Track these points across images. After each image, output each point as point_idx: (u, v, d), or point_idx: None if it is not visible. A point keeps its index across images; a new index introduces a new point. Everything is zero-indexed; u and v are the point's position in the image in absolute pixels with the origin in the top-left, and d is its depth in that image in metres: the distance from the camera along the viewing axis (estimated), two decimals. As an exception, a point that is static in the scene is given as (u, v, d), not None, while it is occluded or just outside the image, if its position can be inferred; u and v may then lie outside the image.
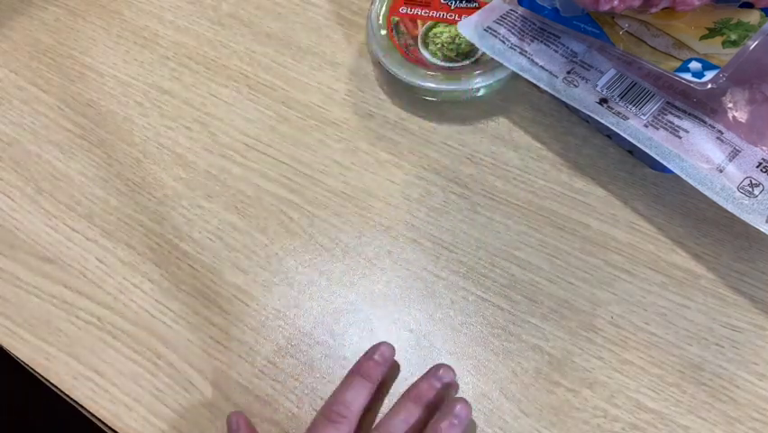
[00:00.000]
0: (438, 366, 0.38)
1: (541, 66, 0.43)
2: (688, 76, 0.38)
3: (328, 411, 0.36)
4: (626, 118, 0.40)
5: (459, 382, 0.39)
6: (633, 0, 0.38)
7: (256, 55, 0.52)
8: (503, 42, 0.44)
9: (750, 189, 0.37)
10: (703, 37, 0.39)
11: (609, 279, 0.41)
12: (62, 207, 0.47)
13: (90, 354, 0.42)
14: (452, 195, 0.45)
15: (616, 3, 0.38)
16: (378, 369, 0.38)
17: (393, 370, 0.39)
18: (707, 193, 0.38)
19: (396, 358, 0.40)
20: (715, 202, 0.38)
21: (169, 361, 0.41)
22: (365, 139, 0.47)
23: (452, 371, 0.38)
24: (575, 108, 0.42)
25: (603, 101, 0.41)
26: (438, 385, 0.37)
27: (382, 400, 0.39)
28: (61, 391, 0.41)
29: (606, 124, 0.41)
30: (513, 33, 0.44)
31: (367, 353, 0.38)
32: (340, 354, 0.40)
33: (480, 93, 0.47)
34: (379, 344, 0.39)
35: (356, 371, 0.37)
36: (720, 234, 0.42)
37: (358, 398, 0.36)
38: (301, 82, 0.50)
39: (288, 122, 0.49)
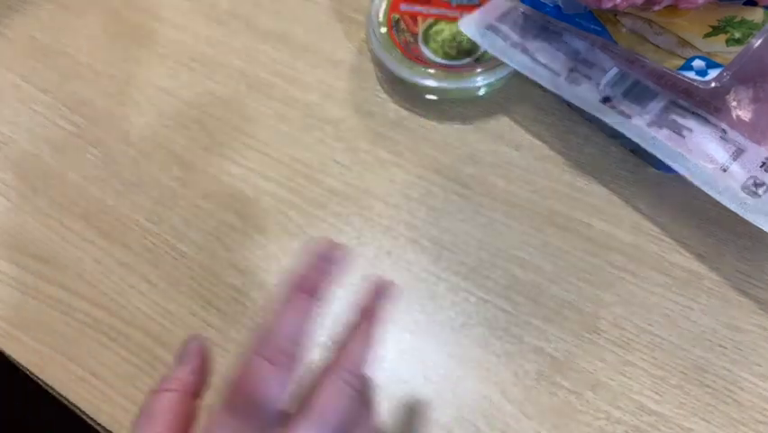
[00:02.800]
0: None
1: (543, 64, 0.42)
2: (691, 74, 0.38)
3: None
4: (629, 117, 0.40)
5: (459, 384, 0.39)
6: (636, -3, 0.37)
7: (254, 53, 0.52)
8: (504, 40, 0.44)
9: (754, 189, 0.37)
10: (707, 35, 0.39)
11: (612, 280, 0.40)
12: (58, 207, 0.46)
13: (87, 356, 0.41)
14: (452, 195, 0.44)
15: (618, 0, 0.37)
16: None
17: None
18: (710, 193, 0.38)
19: (395, 360, 0.39)
20: (719, 202, 0.37)
21: (166, 362, 0.40)
22: (365, 138, 0.47)
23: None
24: (577, 107, 0.42)
25: (606, 100, 0.41)
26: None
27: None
28: (57, 393, 0.41)
29: (609, 122, 0.40)
30: (515, 31, 0.44)
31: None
32: (339, 356, 0.40)
33: (482, 91, 0.46)
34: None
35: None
36: (724, 234, 0.41)
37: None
38: (300, 80, 0.50)
39: (287, 120, 0.48)
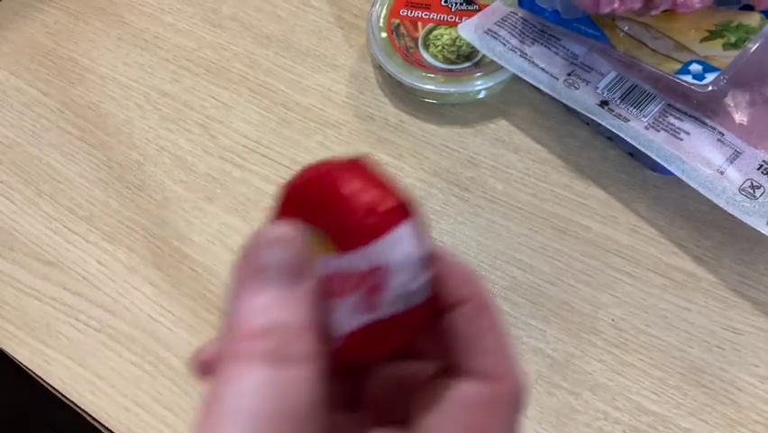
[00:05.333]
0: None
1: (541, 68, 0.43)
2: (688, 78, 0.38)
3: None
4: (626, 120, 0.40)
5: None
6: (633, 2, 0.38)
7: (256, 57, 0.52)
8: (503, 45, 0.44)
9: (751, 192, 0.37)
10: (704, 39, 0.39)
11: (610, 281, 0.41)
12: (62, 210, 0.47)
13: (90, 357, 0.41)
14: (452, 197, 0.45)
15: (616, 5, 0.38)
16: None
17: None
18: (708, 195, 0.38)
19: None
20: (716, 204, 0.38)
21: (170, 364, 0.41)
22: (365, 141, 0.47)
23: None
24: (576, 110, 0.42)
25: (604, 103, 0.41)
26: None
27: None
28: (61, 395, 0.41)
29: (607, 126, 0.41)
30: (513, 36, 0.44)
31: None
32: (341, 357, 0.40)
33: (481, 95, 0.47)
34: None
35: None
36: (721, 236, 0.42)
37: None
38: (301, 85, 0.50)
39: (289, 124, 0.49)
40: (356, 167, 0.18)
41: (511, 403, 0.19)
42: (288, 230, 0.17)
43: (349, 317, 0.17)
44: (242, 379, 0.15)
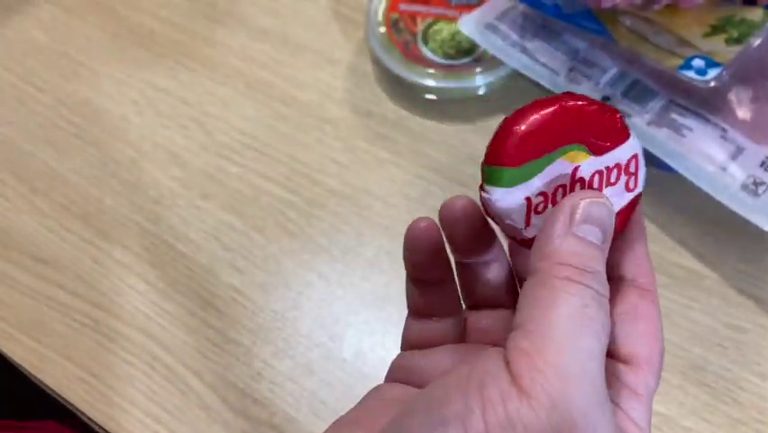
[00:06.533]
0: None
1: (543, 63, 0.42)
2: (691, 73, 0.38)
3: None
4: (628, 116, 0.40)
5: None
6: (636, -4, 0.37)
7: (253, 52, 0.52)
8: (504, 39, 0.44)
9: (754, 188, 0.37)
10: (706, 34, 0.39)
11: (612, 279, 0.40)
12: (57, 207, 0.46)
13: (85, 356, 0.41)
14: (452, 194, 0.44)
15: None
16: None
17: None
18: (710, 192, 0.38)
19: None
20: (719, 201, 0.37)
21: (165, 363, 0.40)
22: (364, 137, 0.47)
23: None
24: (577, 106, 0.42)
25: (605, 99, 0.41)
26: None
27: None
28: (56, 394, 0.41)
29: (608, 122, 0.40)
30: (514, 30, 0.44)
31: None
32: (339, 357, 0.40)
33: (481, 91, 0.46)
34: None
35: None
36: (724, 233, 0.41)
37: None
38: (299, 80, 0.50)
39: (286, 120, 0.48)
40: (573, 95, 0.23)
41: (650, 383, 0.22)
42: (603, 198, 0.22)
43: (615, 200, 0.23)
44: (577, 295, 0.19)
